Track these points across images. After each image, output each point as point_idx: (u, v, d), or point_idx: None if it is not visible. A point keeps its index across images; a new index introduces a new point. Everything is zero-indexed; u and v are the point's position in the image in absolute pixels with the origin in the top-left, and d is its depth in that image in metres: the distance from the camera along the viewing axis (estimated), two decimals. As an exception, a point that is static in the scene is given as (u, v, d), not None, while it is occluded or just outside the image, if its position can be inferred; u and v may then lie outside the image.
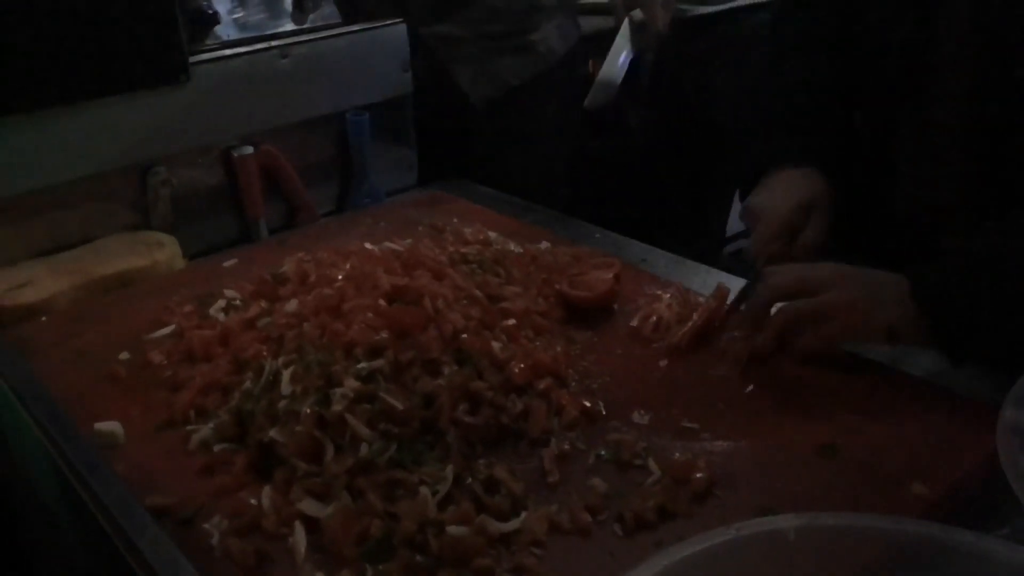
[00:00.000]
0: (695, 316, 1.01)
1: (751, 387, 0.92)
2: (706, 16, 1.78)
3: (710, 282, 1.09)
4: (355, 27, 1.49)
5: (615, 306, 1.09)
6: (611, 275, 1.09)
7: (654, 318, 1.04)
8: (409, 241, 1.20)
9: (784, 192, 1.07)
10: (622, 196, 2.04)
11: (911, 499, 0.75)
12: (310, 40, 1.43)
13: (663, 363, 0.97)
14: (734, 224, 2.17)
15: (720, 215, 2.10)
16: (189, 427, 0.89)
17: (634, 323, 1.04)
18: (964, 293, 0.86)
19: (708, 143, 1.87)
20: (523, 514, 0.76)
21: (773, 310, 0.95)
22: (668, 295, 1.08)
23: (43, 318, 1.13)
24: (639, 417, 0.89)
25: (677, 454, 0.83)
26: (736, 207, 1.95)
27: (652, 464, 0.82)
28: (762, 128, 1.17)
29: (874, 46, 1.04)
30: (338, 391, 0.82)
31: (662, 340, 1.01)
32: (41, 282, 1.17)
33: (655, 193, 2.02)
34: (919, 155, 1.02)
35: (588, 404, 0.90)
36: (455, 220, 1.34)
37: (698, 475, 0.79)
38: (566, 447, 0.85)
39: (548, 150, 1.73)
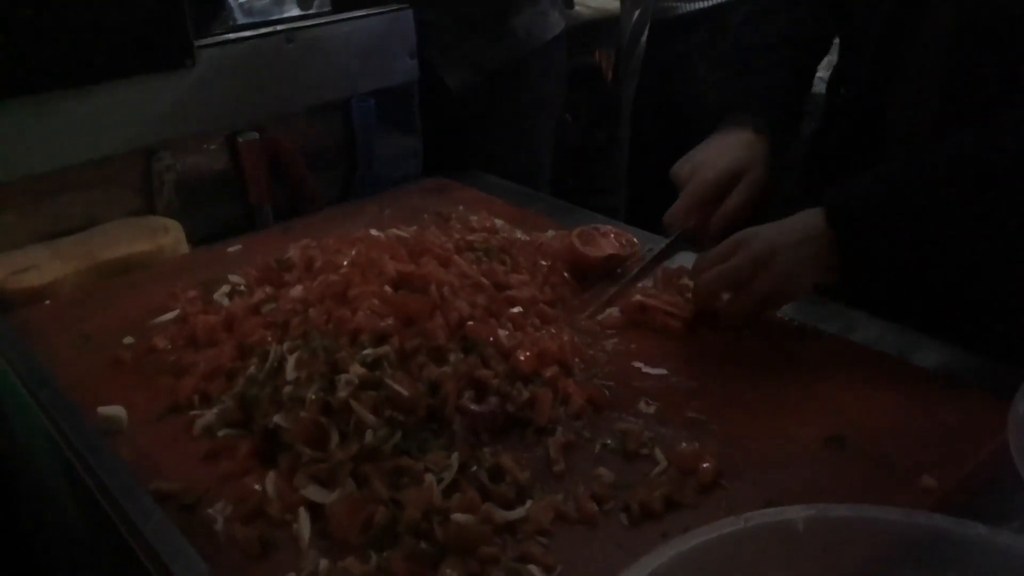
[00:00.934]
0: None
1: (759, 378, 0.92)
2: (691, 14, 1.76)
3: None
4: (361, 12, 1.48)
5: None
6: (618, 241, 1.14)
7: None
8: (414, 228, 1.19)
9: (717, 156, 1.05)
10: (619, 186, 2.02)
11: (920, 492, 0.75)
12: (316, 25, 1.42)
13: (668, 353, 0.97)
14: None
15: None
16: (193, 412, 0.89)
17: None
18: (877, 219, 0.87)
19: (696, 138, 1.84)
20: (528, 503, 0.76)
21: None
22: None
23: (47, 302, 1.13)
24: (645, 407, 0.88)
25: (684, 444, 0.82)
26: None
27: (659, 454, 0.81)
28: (729, 76, 1.15)
29: (862, 15, 1.02)
30: (343, 377, 0.81)
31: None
32: (45, 266, 1.16)
33: (649, 185, 2.00)
34: (905, 130, 1.01)
35: (594, 393, 0.89)
36: (461, 208, 1.33)
37: (705, 466, 0.79)
38: (572, 436, 0.84)
39: (527, 136, 1.70)
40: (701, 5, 1.75)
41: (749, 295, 0.93)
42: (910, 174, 0.88)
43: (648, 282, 1.08)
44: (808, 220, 0.92)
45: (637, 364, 0.95)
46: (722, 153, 1.05)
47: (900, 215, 0.87)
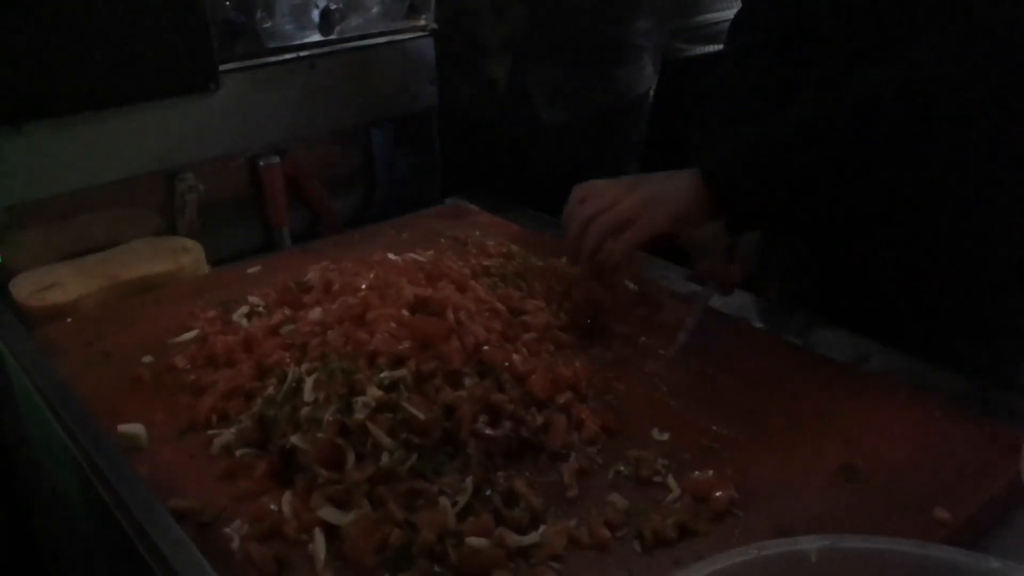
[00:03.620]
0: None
1: (773, 407, 0.92)
2: (702, 56, 1.77)
3: (729, 300, 1.10)
4: (382, 39, 1.51)
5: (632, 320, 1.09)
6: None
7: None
8: (431, 253, 1.20)
9: None
10: None
11: (933, 524, 0.75)
12: (338, 51, 1.45)
13: (683, 381, 0.97)
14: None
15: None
16: (211, 431, 0.90)
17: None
18: (747, 171, 0.94)
19: None
20: (542, 528, 0.76)
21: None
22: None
23: (69, 319, 1.14)
24: (659, 434, 0.89)
25: (697, 472, 0.82)
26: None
27: (671, 482, 0.82)
28: (706, 131, 1.19)
29: (819, 47, 1.04)
30: (360, 399, 0.82)
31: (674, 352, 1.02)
32: (68, 284, 1.18)
33: None
34: None
35: (608, 420, 0.90)
36: (477, 233, 1.34)
37: (718, 494, 0.79)
38: (586, 462, 0.85)
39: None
40: (712, 48, 1.76)
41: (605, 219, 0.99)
42: (775, 131, 0.94)
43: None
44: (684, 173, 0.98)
45: (651, 392, 0.96)
46: None
47: (768, 173, 0.93)
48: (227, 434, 0.88)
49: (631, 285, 1.13)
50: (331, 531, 0.75)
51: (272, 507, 0.79)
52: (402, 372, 0.86)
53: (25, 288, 1.17)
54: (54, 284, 1.18)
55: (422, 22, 1.68)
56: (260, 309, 1.10)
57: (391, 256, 1.17)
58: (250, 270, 1.26)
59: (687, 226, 0.99)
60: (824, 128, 0.91)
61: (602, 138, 1.65)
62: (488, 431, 0.84)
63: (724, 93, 1.17)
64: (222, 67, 1.32)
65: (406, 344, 0.89)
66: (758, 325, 1.10)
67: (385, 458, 0.79)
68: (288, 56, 1.41)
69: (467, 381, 0.88)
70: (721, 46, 1.74)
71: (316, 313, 0.99)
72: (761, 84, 1.12)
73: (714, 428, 0.89)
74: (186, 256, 1.27)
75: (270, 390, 0.90)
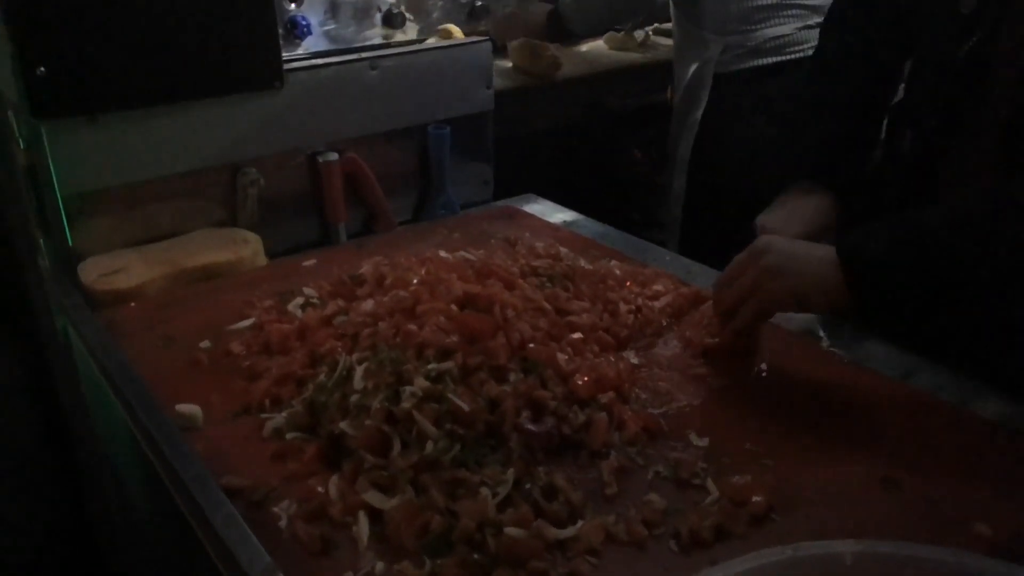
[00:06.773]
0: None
1: (818, 417, 0.92)
2: (754, 69, 1.77)
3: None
4: (442, 43, 1.54)
5: (675, 327, 1.10)
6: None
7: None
8: (482, 252, 1.23)
9: (796, 217, 1.10)
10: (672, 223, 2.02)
11: (973, 539, 0.74)
12: (399, 54, 1.48)
13: (726, 387, 0.98)
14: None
15: None
16: (264, 415, 0.93)
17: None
18: (890, 265, 0.88)
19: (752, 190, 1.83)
20: (580, 522, 0.78)
21: None
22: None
23: (133, 303, 1.19)
24: (700, 437, 0.90)
25: (736, 476, 0.83)
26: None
27: (711, 484, 0.83)
28: (787, 142, 1.19)
29: (931, 64, 1.03)
30: (408, 389, 0.85)
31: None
32: (133, 270, 1.23)
33: (703, 229, 1.99)
34: (963, 179, 1.01)
35: (649, 421, 0.91)
36: (527, 235, 1.36)
37: (756, 498, 0.79)
38: (625, 461, 0.86)
39: None
40: (765, 61, 1.75)
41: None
42: (922, 227, 0.89)
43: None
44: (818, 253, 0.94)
45: (694, 397, 0.97)
46: (801, 215, 1.11)
47: (910, 269, 0.88)
48: (279, 418, 0.92)
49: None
50: (375, 514, 0.78)
51: (319, 489, 0.82)
52: (449, 365, 0.88)
53: (92, 272, 1.23)
54: (120, 269, 1.23)
55: (481, 27, 1.72)
56: (314, 300, 1.13)
57: (442, 253, 1.19)
58: (306, 263, 1.30)
59: (806, 307, 0.96)
60: (996, 226, 0.86)
61: None
62: (530, 426, 0.86)
63: (806, 100, 1.16)
64: (286, 66, 1.36)
65: (454, 338, 0.92)
66: (806, 337, 1.09)
67: (429, 447, 0.81)
68: (350, 57, 1.45)
69: (511, 377, 0.90)
70: (772, 59, 1.74)
71: (368, 305, 1.02)
72: (847, 95, 1.12)
73: (757, 434, 0.90)
74: (245, 247, 1.31)
75: (321, 377, 0.93)
